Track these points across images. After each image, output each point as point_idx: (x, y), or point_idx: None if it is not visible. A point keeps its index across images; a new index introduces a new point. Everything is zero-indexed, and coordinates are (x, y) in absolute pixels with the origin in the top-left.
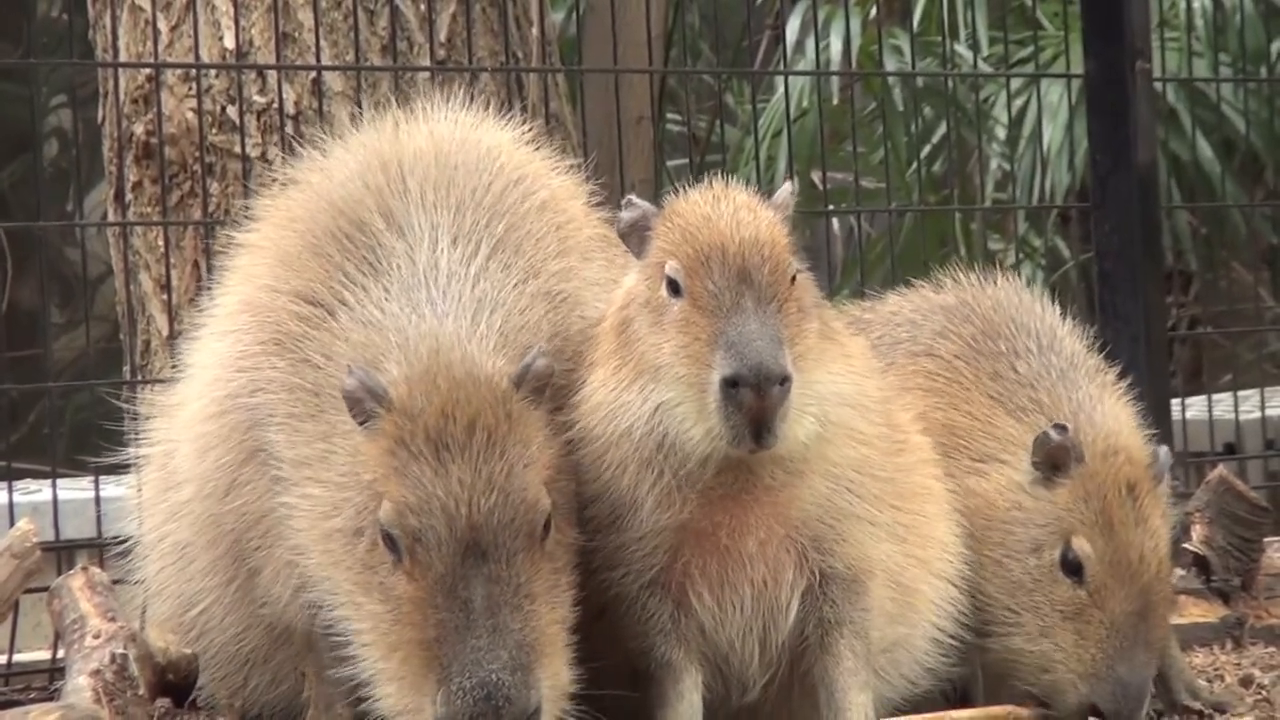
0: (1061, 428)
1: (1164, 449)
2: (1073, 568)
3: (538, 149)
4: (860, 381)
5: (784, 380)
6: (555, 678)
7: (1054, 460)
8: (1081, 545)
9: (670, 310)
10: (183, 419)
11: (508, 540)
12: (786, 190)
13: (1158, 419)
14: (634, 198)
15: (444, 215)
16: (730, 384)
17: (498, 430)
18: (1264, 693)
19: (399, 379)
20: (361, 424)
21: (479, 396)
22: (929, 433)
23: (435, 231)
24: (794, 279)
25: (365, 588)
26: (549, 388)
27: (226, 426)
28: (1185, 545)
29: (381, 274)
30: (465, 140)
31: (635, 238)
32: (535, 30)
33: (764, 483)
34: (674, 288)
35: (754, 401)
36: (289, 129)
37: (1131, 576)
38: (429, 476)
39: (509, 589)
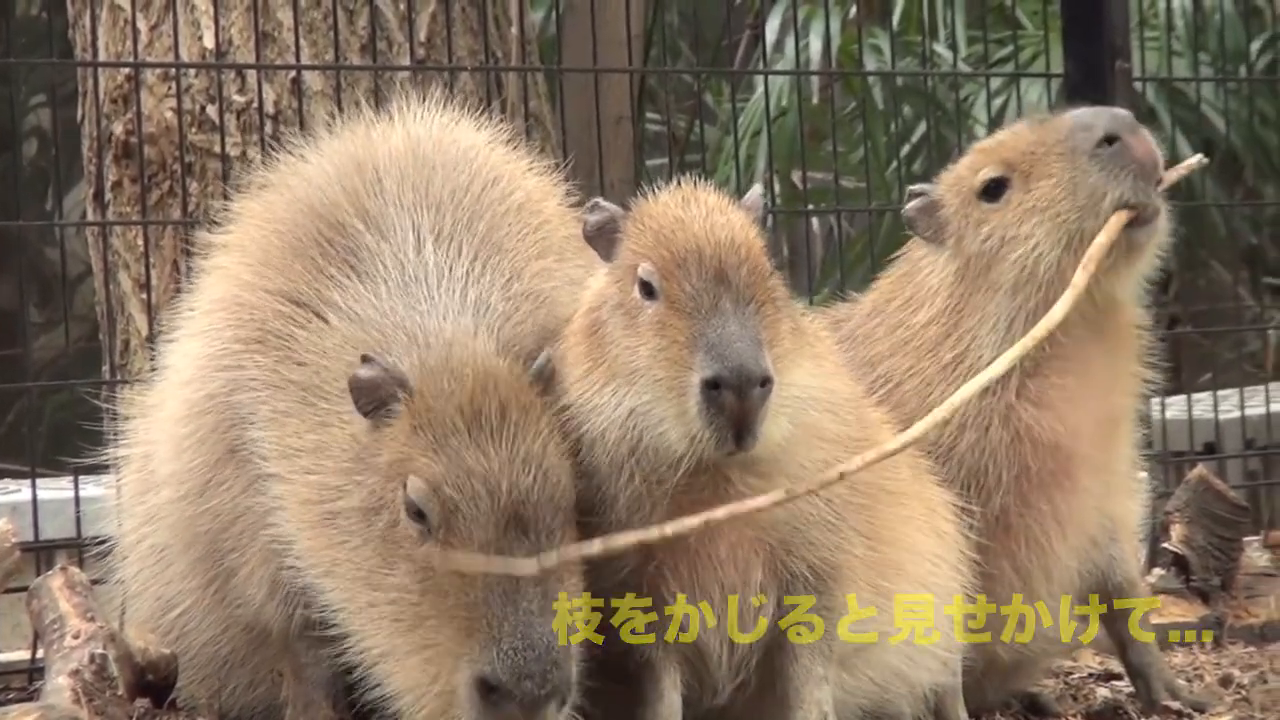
0: None
1: None
2: None
3: (513, 149)
4: (830, 381)
5: (765, 382)
6: (579, 662)
7: None
8: None
9: (644, 313)
10: (160, 420)
11: (548, 517)
12: (757, 192)
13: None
14: (601, 201)
15: (424, 214)
16: (711, 386)
17: (530, 414)
18: (1243, 692)
19: (416, 367)
20: (368, 412)
21: (506, 384)
22: None
23: (417, 232)
24: (769, 279)
25: (387, 561)
26: (552, 387)
27: (204, 428)
28: (1165, 545)
29: (365, 275)
30: (441, 141)
31: (603, 241)
32: (514, 30)
33: (735, 489)
34: (648, 290)
35: (735, 404)
36: (268, 128)
37: None
38: (468, 451)
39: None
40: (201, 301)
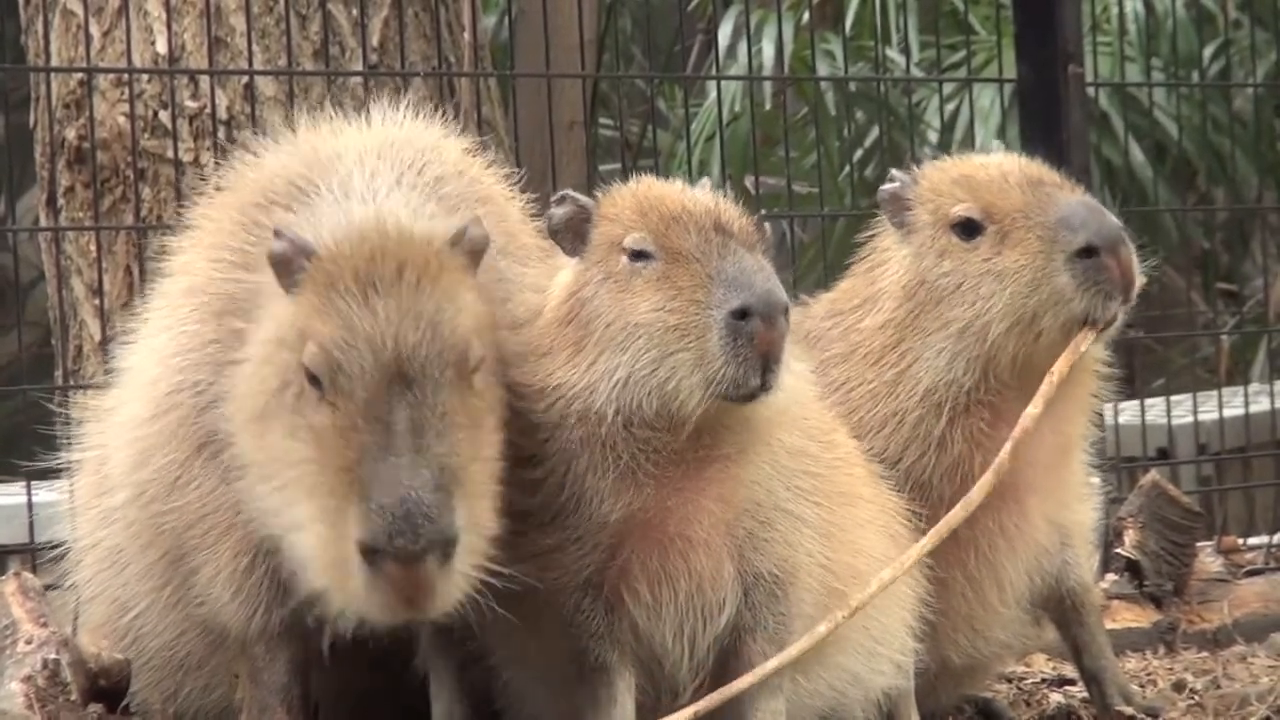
0: None
1: None
2: None
3: (476, 154)
4: (803, 362)
5: (787, 310)
6: (477, 515)
7: None
8: None
9: (639, 276)
10: (117, 423)
11: (435, 371)
12: (706, 184)
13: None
14: (570, 192)
15: (383, 168)
16: (739, 315)
17: (428, 272)
18: (1196, 697)
19: (327, 236)
20: (289, 288)
21: (410, 245)
22: None
23: (371, 173)
24: (757, 233)
25: (292, 431)
26: (480, 260)
27: (171, 424)
28: (1118, 550)
29: (307, 207)
30: (410, 136)
31: (570, 234)
32: (467, 35)
33: (721, 451)
34: (640, 256)
35: (765, 331)
36: (221, 134)
37: None
38: (356, 310)
39: (433, 414)
40: (161, 300)
